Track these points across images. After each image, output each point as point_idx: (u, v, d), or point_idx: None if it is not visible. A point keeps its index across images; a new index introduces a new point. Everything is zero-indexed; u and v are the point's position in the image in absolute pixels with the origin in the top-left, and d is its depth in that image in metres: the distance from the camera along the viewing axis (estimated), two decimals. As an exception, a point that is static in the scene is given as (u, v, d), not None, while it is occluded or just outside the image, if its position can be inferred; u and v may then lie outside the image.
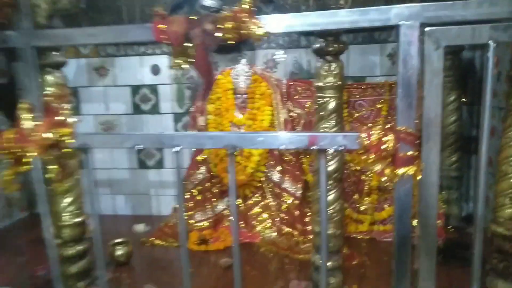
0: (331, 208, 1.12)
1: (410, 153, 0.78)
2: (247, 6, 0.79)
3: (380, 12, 0.79)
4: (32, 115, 0.88)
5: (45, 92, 1.02)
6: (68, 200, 1.30)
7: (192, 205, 1.94)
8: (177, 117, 2.12)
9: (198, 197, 1.96)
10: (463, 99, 1.74)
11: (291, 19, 0.83)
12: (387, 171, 0.79)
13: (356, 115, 1.85)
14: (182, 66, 0.85)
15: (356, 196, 1.86)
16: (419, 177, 0.80)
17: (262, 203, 1.94)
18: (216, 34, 0.81)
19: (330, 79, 1.07)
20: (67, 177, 1.19)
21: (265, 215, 1.91)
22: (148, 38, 0.85)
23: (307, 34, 1.88)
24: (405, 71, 0.78)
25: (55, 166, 0.94)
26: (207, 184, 1.96)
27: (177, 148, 0.87)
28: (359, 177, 1.85)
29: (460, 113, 1.73)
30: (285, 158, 1.89)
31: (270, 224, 1.88)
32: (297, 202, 1.85)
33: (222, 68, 1.93)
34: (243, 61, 1.89)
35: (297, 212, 1.84)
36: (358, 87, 1.84)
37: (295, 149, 1.16)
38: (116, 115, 2.15)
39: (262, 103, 1.86)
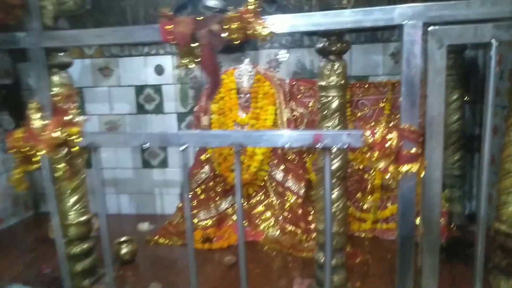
0: (334, 206, 1.12)
1: (413, 150, 0.79)
2: (253, 7, 0.80)
3: (383, 12, 0.80)
4: (41, 115, 0.89)
5: (52, 93, 1.03)
6: (74, 198, 1.32)
7: (195, 204, 1.96)
8: (181, 117, 2.13)
9: (202, 196, 1.97)
10: (466, 98, 1.74)
11: (296, 19, 0.84)
12: (391, 168, 0.80)
13: (359, 114, 1.86)
14: (189, 66, 0.86)
15: (359, 195, 1.86)
16: (422, 174, 0.81)
17: (266, 201, 1.95)
18: (222, 34, 0.82)
19: (333, 79, 1.07)
20: (74, 176, 1.20)
21: (268, 214, 1.92)
22: (155, 39, 0.87)
23: (310, 34, 1.89)
24: (409, 70, 0.80)
25: (63, 165, 0.95)
26: (211, 183, 1.97)
27: (184, 146, 0.88)
28: (362, 175, 1.85)
29: (463, 112, 1.73)
30: (288, 157, 1.90)
31: (273, 223, 1.89)
32: (300, 200, 1.86)
33: (226, 68, 1.94)
34: (246, 61, 1.89)
35: (300, 211, 1.85)
36: (361, 86, 1.84)
37: (300, 147, 1.17)
38: (120, 115, 2.17)
39: (265, 103, 1.87)
